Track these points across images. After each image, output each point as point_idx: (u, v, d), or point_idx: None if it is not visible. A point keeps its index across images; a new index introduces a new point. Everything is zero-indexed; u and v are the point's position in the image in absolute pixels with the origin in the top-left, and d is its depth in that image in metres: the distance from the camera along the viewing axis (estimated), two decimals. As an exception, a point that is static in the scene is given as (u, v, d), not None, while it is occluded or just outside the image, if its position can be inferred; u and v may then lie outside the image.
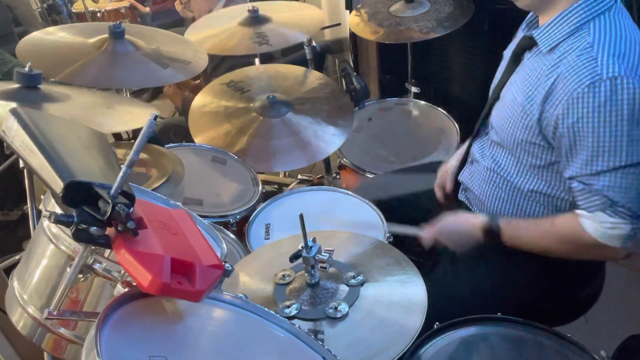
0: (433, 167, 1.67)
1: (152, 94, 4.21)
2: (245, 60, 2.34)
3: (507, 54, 1.44)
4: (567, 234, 1.23)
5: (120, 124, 1.54)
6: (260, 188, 1.81)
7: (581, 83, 1.12)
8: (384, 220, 1.58)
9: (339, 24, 3.25)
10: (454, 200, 1.55)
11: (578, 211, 1.21)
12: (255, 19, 2.12)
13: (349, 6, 2.86)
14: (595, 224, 1.18)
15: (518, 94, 1.27)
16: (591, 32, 1.16)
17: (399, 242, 1.46)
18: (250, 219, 1.65)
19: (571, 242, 1.23)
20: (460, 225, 1.37)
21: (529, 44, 1.30)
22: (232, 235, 1.63)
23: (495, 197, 1.40)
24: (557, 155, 1.24)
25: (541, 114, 1.20)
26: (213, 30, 2.15)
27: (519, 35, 1.43)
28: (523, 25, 1.42)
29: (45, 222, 0.97)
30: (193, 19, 2.65)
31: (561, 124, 1.16)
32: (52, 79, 1.63)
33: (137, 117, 1.51)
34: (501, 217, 1.35)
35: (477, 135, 1.49)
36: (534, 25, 1.33)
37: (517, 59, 1.34)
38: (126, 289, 0.81)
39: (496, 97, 1.39)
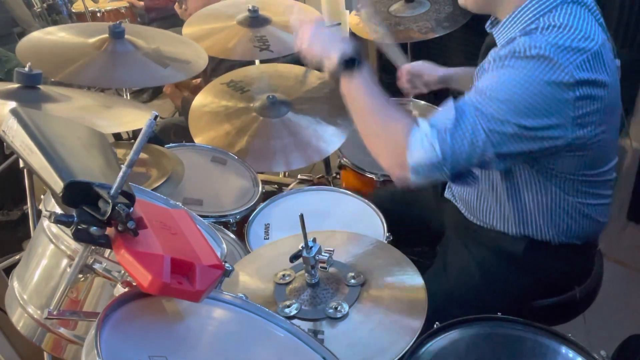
0: None
1: (152, 93, 4.22)
2: (246, 60, 2.34)
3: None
4: (393, 117, 1.21)
5: (120, 125, 1.54)
6: (260, 188, 1.81)
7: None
8: (384, 221, 1.58)
9: (339, 24, 3.25)
10: (440, 199, 1.54)
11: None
12: (255, 20, 2.11)
13: (349, 6, 2.86)
14: (424, 125, 1.15)
15: None
16: (541, 23, 1.14)
17: (399, 241, 1.46)
18: (250, 219, 1.65)
19: (389, 125, 1.20)
20: (328, 43, 1.35)
21: (493, 41, 1.30)
22: (232, 235, 1.63)
23: (475, 195, 1.39)
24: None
25: None
26: (210, 26, 2.13)
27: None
28: (487, 24, 1.42)
29: (45, 222, 0.97)
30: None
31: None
32: (52, 79, 1.63)
33: (137, 118, 1.51)
34: (364, 66, 1.27)
35: None
36: (496, 23, 1.32)
37: (484, 57, 1.31)
38: (126, 289, 0.81)
39: None
